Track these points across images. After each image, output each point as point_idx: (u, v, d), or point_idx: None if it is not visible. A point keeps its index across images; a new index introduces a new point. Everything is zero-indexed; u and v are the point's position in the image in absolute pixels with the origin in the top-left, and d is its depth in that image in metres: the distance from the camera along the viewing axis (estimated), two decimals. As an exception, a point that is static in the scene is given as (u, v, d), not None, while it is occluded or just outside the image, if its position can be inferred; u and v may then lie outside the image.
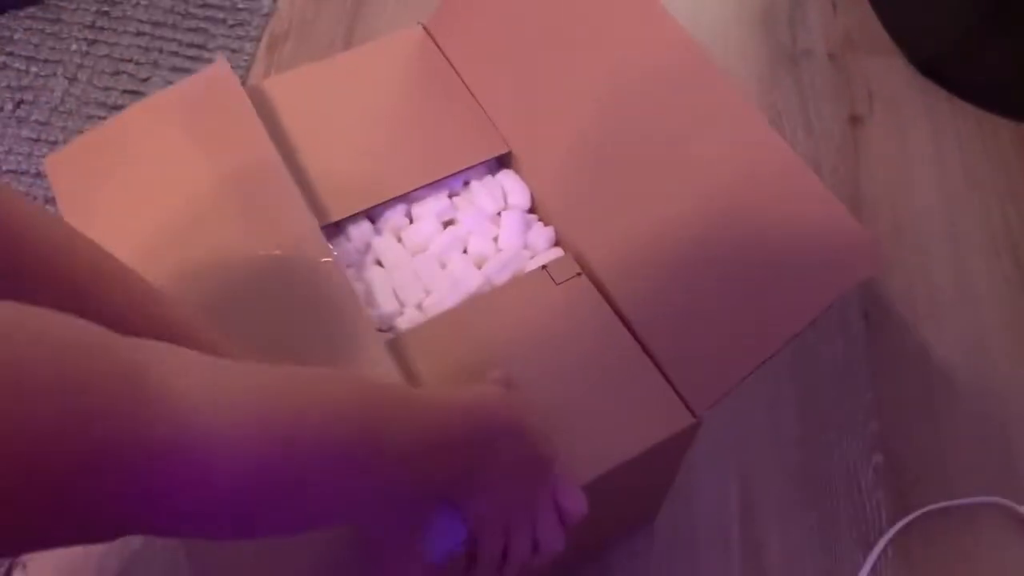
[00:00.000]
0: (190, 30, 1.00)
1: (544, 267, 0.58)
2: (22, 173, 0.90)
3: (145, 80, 0.96)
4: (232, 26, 1.01)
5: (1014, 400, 0.79)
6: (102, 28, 0.99)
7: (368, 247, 0.60)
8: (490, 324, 0.55)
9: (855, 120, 0.98)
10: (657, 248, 0.55)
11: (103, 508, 0.23)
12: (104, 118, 0.93)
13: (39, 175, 0.89)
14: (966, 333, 0.83)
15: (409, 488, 0.36)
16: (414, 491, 0.37)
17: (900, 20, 1.04)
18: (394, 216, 0.61)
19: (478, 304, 0.56)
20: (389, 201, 0.61)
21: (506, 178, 0.63)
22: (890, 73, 1.02)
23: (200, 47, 0.99)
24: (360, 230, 0.60)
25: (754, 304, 0.51)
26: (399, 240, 0.61)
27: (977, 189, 0.93)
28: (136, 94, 0.94)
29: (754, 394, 0.78)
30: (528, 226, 0.61)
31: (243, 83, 0.97)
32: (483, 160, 0.63)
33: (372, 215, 0.61)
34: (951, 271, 0.87)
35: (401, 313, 0.57)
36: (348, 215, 0.59)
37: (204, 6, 1.03)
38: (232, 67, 0.96)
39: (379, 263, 0.60)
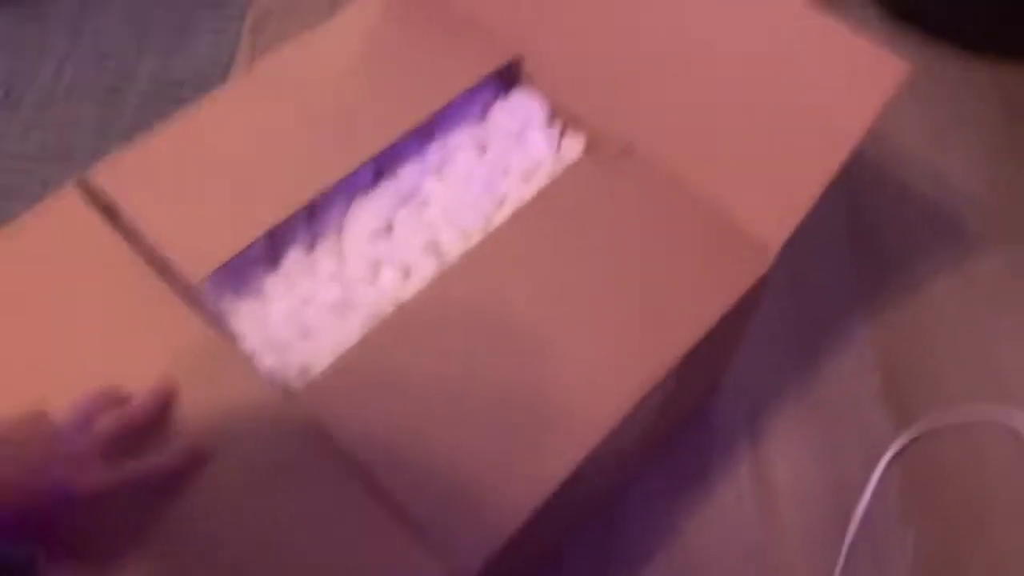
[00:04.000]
0: (174, 10, 1.01)
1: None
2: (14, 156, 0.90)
3: (134, 66, 0.96)
4: (215, 7, 1.02)
5: (1004, 318, 0.83)
6: (87, 18, 0.99)
7: (416, 190, 0.61)
8: (555, 228, 0.56)
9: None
10: (697, 106, 0.58)
11: None
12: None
13: (33, 159, 0.90)
14: (955, 253, 0.87)
15: None
16: None
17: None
18: (433, 155, 0.62)
19: (529, 213, 0.57)
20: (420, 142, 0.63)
21: (520, 96, 0.65)
22: (867, 24, 1.05)
23: (182, 30, 1.00)
24: (409, 171, 0.61)
25: (803, 135, 0.55)
26: (440, 177, 0.62)
27: (958, 125, 0.97)
28: (128, 79, 0.95)
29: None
30: (553, 134, 0.63)
31: (229, 65, 0.97)
32: (488, 72, 0.63)
33: (421, 154, 0.63)
34: (936, 197, 0.91)
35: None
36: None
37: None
38: (217, 49, 0.98)
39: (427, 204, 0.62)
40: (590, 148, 0.62)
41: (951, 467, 0.75)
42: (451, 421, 0.48)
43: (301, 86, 0.63)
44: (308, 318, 0.54)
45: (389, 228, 0.59)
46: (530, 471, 0.47)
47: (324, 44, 0.67)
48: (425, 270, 0.56)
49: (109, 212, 0.55)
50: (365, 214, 0.59)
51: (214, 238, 0.53)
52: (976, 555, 0.71)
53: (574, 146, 0.62)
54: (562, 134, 0.64)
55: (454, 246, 0.58)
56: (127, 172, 0.57)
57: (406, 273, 0.57)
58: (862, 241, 0.87)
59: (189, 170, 0.58)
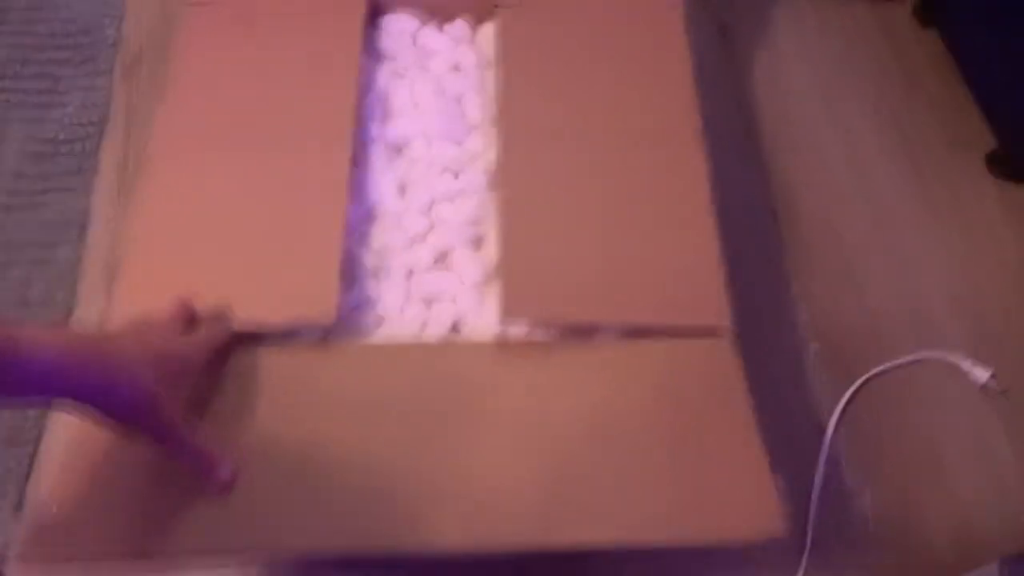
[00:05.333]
0: (35, 76, 0.94)
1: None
2: None
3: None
4: (79, 64, 0.96)
5: (924, 260, 0.83)
6: (-62, 93, 0.93)
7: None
8: None
9: (724, 30, 1.00)
10: None
11: None
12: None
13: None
14: (869, 206, 0.87)
15: None
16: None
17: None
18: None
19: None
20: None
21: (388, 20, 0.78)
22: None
23: (50, 92, 0.93)
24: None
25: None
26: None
27: (849, 71, 0.97)
28: (-6, 155, 0.89)
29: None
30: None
31: (104, 119, 0.92)
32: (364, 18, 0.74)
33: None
34: (843, 155, 0.90)
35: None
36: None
37: (43, 48, 0.97)
38: (88, 106, 0.92)
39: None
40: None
41: (898, 418, 0.75)
42: None
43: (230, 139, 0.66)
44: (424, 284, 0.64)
45: (403, 189, 0.69)
46: None
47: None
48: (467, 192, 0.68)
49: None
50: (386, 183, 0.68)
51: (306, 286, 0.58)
52: (933, 502, 0.71)
53: (462, 26, 0.76)
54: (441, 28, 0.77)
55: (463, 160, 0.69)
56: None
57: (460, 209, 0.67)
58: (785, 215, 0.86)
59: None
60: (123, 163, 0.89)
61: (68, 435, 0.53)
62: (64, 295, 0.79)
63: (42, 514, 0.50)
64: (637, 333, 0.59)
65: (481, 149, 0.69)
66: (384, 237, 0.65)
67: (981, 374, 0.75)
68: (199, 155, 0.65)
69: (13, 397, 0.43)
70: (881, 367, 0.76)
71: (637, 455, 0.53)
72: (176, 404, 0.49)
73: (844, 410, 0.75)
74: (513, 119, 0.67)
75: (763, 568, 0.68)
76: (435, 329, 0.62)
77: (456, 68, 0.75)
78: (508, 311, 0.57)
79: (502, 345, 0.59)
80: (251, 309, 0.58)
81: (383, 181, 0.68)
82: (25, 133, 0.90)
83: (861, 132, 0.92)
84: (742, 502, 0.51)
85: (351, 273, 0.63)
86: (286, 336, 0.59)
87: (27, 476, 0.70)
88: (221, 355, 0.56)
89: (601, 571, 0.66)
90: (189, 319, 0.55)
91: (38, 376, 0.42)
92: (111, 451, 0.51)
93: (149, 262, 0.60)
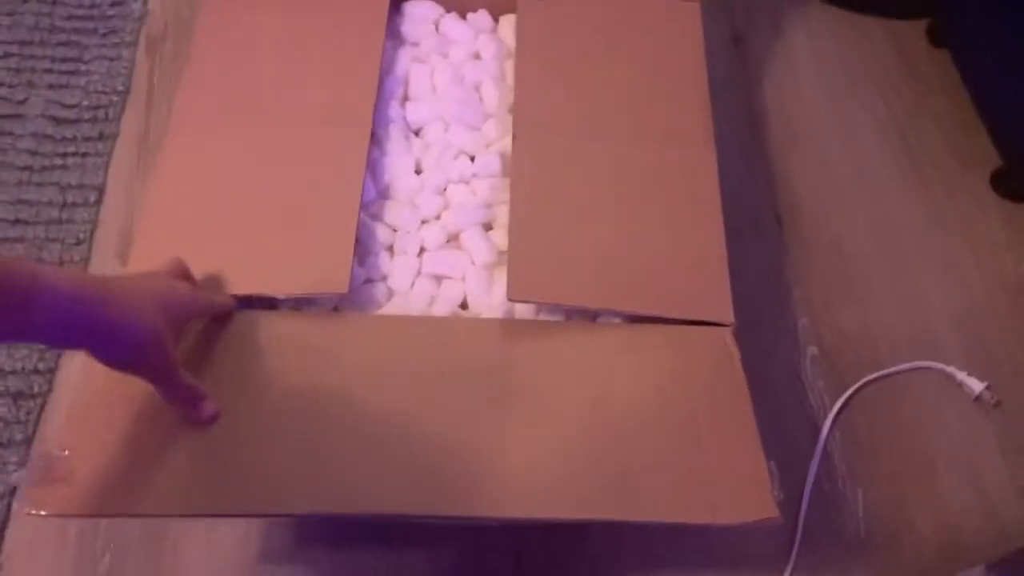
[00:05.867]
0: (61, 44, 0.96)
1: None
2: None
3: (23, 102, 0.91)
4: (105, 35, 0.97)
5: (925, 272, 0.85)
6: (-35, 55, 0.94)
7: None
8: None
9: (739, 40, 1.01)
10: None
11: None
12: (-14, 147, 0.88)
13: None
14: (872, 218, 0.88)
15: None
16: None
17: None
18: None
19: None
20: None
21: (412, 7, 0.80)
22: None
23: (75, 60, 0.95)
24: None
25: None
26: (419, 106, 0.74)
27: (859, 86, 0.98)
28: (16, 117, 0.90)
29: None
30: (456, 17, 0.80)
31: (125, 93, 0.93)
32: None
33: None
34: (849, 164, 0.92)
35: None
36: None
37: (70, 18, 0.98)
38: (112, 76, 0.94)
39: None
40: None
41: (892, 424, 0.76)
42: None
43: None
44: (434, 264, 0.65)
45: (419, 170, 0.70)
46: None
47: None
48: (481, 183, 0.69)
49: None
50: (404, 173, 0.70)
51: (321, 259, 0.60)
52: (922, 506, 0.72)
53: (482, 17, 0.79)
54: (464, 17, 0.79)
55: (478, 144, 0.71)
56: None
57: (474, 191, 0.68)
58: (788, 221, 0.88)
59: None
60: (144, 133, 0.90)
61: (76, 390, 0.55)
62: (78, 257, 0.80)
63: (48, 460, 0.51)
64: (639, 321, 0.60)
65: (497, 135, 0.71)
66: (398, 215, 0.66)
67: (976, 386, 0.76)
68: (219, 129, 0.67)
69: (29, 333, 0.44)
70: (877, 374, 0.78)
71: (637, 436, 0.54)
72: (175, 344, 0.52)
73: (839, 414, 0.76)
74: (529, 108, 0.68)
75: (753, 566, 0.69)
76: (443, 306, 0.63)
77: (476, 57, 0.76)
78: (513, 293, 0.59)
79: (507, 324, 0.60)
80: (265, 276, 0.59)
81: (400, 161, 0.69)
82: (49, 98, 0.91)
83: (869, 146, 0.94)
84: (737, 484, 0.52)
85: (365, 247, 0.65)
86: (299, 304, 0.60)
87: (34, 429, 0.71)
88: (222, 323, 0.57)
89: (597, 563, 0.67)
90: (184, 277, 0.57)
91: (54, 310, 0.44)
92: (118, 405, 0.53)
93: (164, 231, 0.61)
